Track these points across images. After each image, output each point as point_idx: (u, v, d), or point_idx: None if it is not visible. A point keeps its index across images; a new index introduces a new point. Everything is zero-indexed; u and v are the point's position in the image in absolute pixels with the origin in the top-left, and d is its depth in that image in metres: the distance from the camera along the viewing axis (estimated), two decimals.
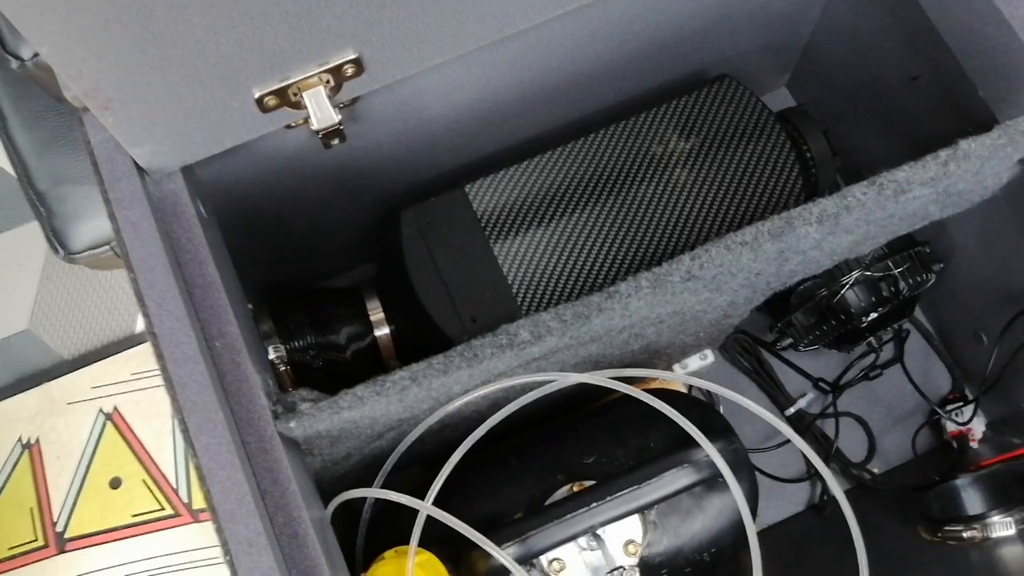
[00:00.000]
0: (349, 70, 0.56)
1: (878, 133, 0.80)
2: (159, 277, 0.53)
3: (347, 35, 0.53)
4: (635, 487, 0.58)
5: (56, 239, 0.74)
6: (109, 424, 0.86)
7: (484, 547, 0.55)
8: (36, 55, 0.68)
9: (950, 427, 0.79)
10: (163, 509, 0.83)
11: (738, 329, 0.83)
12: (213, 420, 0.51)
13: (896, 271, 0.74)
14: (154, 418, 0.86)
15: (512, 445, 0.68)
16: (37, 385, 0.86)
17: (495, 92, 0.71)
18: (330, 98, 0.57)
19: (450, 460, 0.59)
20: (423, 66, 0.59)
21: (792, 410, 0.82)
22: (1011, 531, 0.64)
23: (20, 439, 0.85)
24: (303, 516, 0.51)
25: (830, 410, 0.82)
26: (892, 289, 0.73)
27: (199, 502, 0.84)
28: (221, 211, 0.65)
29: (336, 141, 0.63)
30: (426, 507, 0.56)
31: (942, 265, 0.77)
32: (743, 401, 0.63)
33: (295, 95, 0.57)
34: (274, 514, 0.51)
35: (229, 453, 0.50)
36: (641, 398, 0.59)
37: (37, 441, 0.85)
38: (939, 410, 0.80)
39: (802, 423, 0.82)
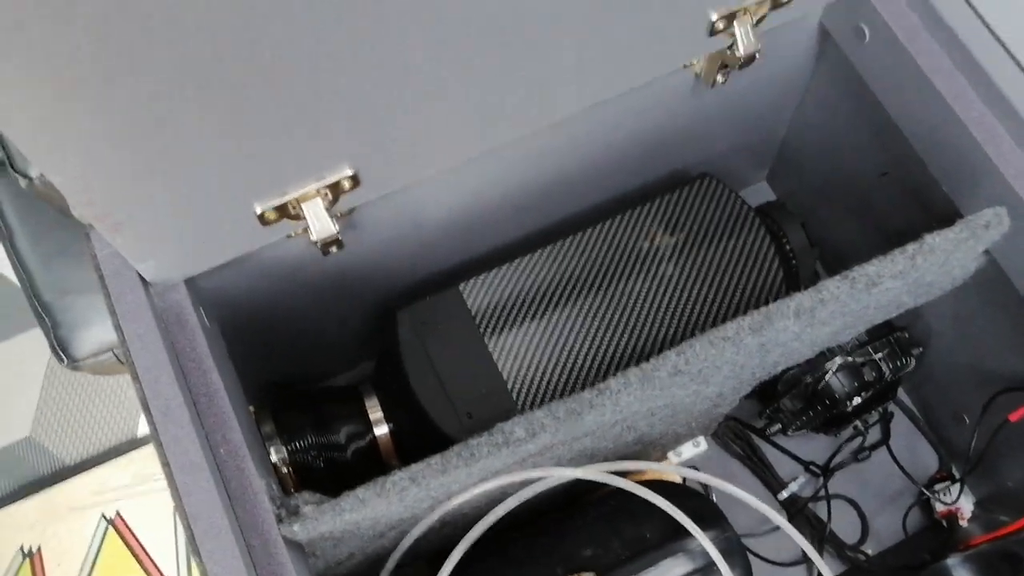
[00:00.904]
0: (347, 184, 0.60)
1: (853, 224, 0.83)
2: (164, 386, 0.55)
3: (345, 155, 0.56)
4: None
5: (60, 347, 0.77)
6: (111, 529, 0.86)
7: None
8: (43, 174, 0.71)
9: (939, 506, 0.81)
10: None
11: (729, 416, 0.85)
12: (218, 526, 0.52)
13: (877, 356, 0.76)
14: (157, 522, 0.87)
15: (512, 538, 0.69)
16: (38, 491, 0.87)
17: (487, 196, 0.74)
18: (328, 209, 0.60)
19: (449, 558, 0.60)
20: (417, 177, 0.62)
21: (785, 494, 0.83)
22: None
23: (21, 547, 0.86)
24: None
25: (822, 493, 0.83)
26: (874, 374, 0.76)
27: None
28: (222, 317, 0.67)
29: (334, 249, 0.65)
30: None
31: (921, 349, 0.80)
32: (735, 492, 0.65)
33: (294, 208, 0.60)
34: None
35: (235, 559, 0.52)
36: (635, 491, 0.60)
37: (38, 549, 0.86)
38: (926, 491, 0.81)
39: (795, 507, 0.83)
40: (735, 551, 0.64)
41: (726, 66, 0.67)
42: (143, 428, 0.92)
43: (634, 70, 0.63)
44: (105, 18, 0.40)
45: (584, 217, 0.80)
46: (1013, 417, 0.71)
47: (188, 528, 0.53)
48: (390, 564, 0.63)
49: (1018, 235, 0.62)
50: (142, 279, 0.58)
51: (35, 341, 0.95)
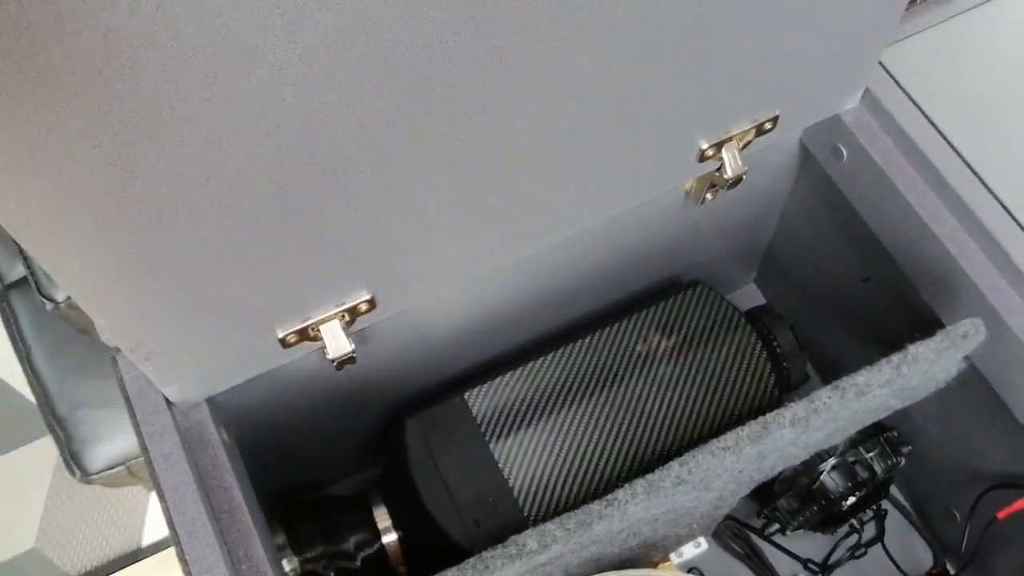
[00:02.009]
0: (363, 307, 0.63)
1: (840, 326, 0.87)
2: (189, 505, 0.57)
3: (362, 282, 0.60)
4: None
5: (74, 461, 0.78)
6: None
7: None
8: (68, 297, 0.74)
9: None
10: None
11: (729, 516, 0.87)
12: None
13: (868, 456, 0.79)
14: None
15: None
16: None
17: (490, 308, 0.77)
18: (344, 330, 0.63)
19: None
20: (428, 297, 0.66)
21: None
22: None
23: None
24: None
25: None
26: (866, 473, 0.78)
27: None
28: (239, 431, 0.69)
29: (349, 365, 0.68)
30: None
31: (910, 447, 0.82)
32: None
33: (313, 331, 0.63)
34: None
35: None
36: None
37: None
38: (918, 570, 0.83)
39: None
40: None
41: (715, 186, 0.72)
42: (147, 539, 0.93)
43: (630, 193, 0.68)
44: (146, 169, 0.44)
45: (583, 324, 0.83)
46: (1001, 515, 0.73)
47: None
48: None
49: (995, 342, 0.65)
50: (166, 400, 0.61)
51: (41, 452, 0.96)
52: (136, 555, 0.90)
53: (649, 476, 0.60)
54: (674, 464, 0.60)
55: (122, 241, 0.47)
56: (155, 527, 0.92)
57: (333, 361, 0.65)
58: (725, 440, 0.61)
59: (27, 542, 0.92)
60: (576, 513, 0.59)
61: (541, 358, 0.80)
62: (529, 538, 0.58)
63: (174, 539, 0.57)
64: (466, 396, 0.79)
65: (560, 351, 0.81)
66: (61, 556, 0.92)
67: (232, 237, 0.50)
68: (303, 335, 0.62)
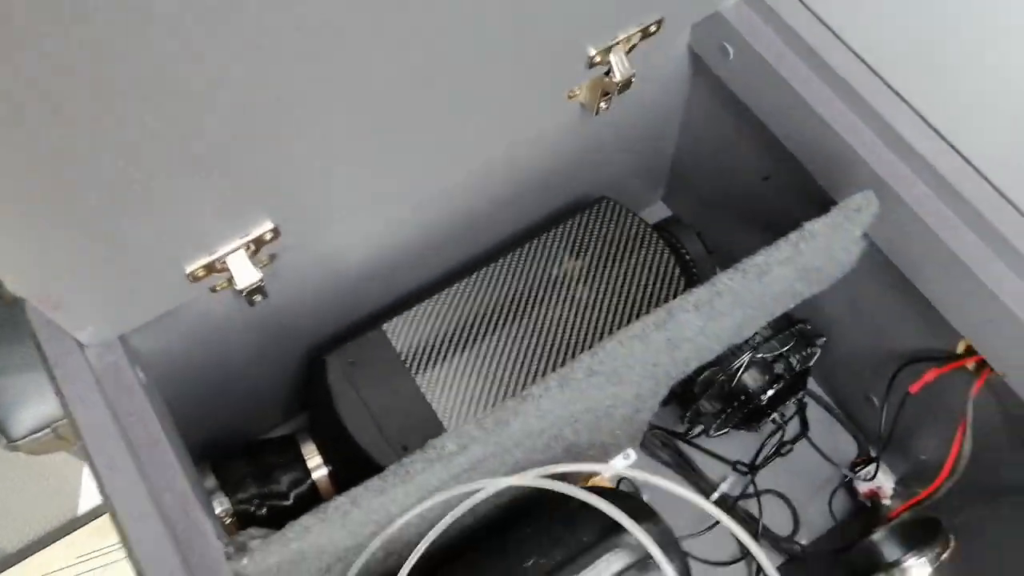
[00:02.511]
0: (268, 236, 0.63)
1: (745, 228, 0.89)
2: (107, 441, 0.57)
3: (266, 212, 0.60)
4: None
5: None
6: None
7: None
8: None
9: (862, 488, 0.86)
10: None
11: (654, 426, 0.89)
12: (169, 567, 0.54)
13: (783, 349, 0.81)
14: None
15: (459, 564, 0.71)
16: None
17: (400, 240, 0.78)
18: (251, 259, 0.63)
19: (403, 568, 0.61)
20: (332, 224, 0.66)
21: (715, 495, 0.87)
22: (927, 570, 0.69)
23: None
24: None
25: (751, 490, 0.88)
26: (783, 366, 0.81)
27: None
28: (160, 376, 0.69)
29: (259, 297, 0.68)
30: None
31: (824, 338, 0.85)
32: (665, 483, 0.68)
33: (220, 264, 0.63)
34: None
35: None
36: (566, 491, 0.63)
37: None
38: (848, 472, 0.86)
39: (726, 506, 0.87)
40: (670, 543, 0.67)
41: (607, 93, 0.73)
42: (83, 507, 0.92)
43: (527, 116, 0.69)
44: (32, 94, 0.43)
45: (496, 249, 0.84)
46: (913, 389, 0.76)
47: (139, 572, 0.54)
48: None
49: (889, 217, 0.67)
50: (78, 343, 0.60)
51: None
52: (73, 524, 0.89)
53: (561, 370, 0.61)
54: (584, 356, 0.62)
55: (13, 184, 0.46)
56: (90, 495, 0.91)
57: (243, 292, 0.65)
58: (632, 329, 0.62)
59: None
60: (493, 411, 0.60)
61: (456, 284, 0.81)
62: (448, 440, 0.59)
63: (95, 475, 0.57)
64: (385, 328, 0.79)
65: (474, 277, 0.82)
66: None
67: (125, 173, 0.50)
68: (210, 269, 0.62)
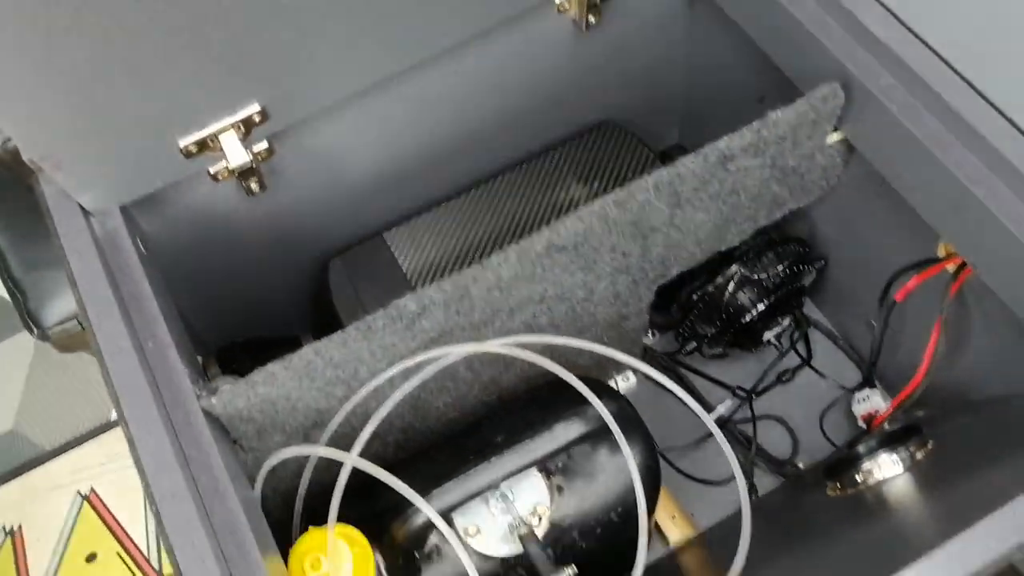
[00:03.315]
0: (256, 118, 0.68)
1: None
2: (99, 290, 0.63)
3: (251, 93, 0.65)
4: (529, 439, 0.64)
5: (31, 319, 0.84)
6: (86, 504, 0.92)
7: (404, 494, 0.60)
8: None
9: (859, 411, 0.85)
10: None
11: (654, 352, 0.90)
12: (142, 397, 0.58)
13: (775, 267, 0.81)
14: (127, 494, 0.92)
15: (435, 443, 0.74)
16: (20, 475, 0.94)
17: (401, 151, 0.82)
18: (242, 141, 0.68)
19: (358, 439, 0.64)
20: (318, 106, 0.71)
21: (712, 416, 0.87)
22: (899, 469, 0.68)
23: (3, 527, 0.92)
24: (224, 477, 0.57)
25: (750, 415, 0.88)
26: (773, 283, 0.81)
27: (170, 568, 0.88)
28: (167, 265, 0.74)
29: (256, 187, 0.73)
30: (352, 458, 0.62)
31: (823, 262, 0.85)
32: (670, 383, 0.69)
33: (213, 143, 0.68)
34: (198, 476, 0.58)
35: (155, 423, 0.57)
36: (528, 358, 0.65)
37: (20, 528, 0.91)
38: (846, 387, 0.86)
39: (723, 429, 0.87)
40: (632, 423, 0.68)
41: (594, 5, 0.76)
42: (115, 415, 0.99)
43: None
44: None
45: (499, 169, 0.87)
46: (898, 297, 0.76)
47: (117, 403, 0.59)
48: (313, 456, 0.67)
49: (861, 113, 0.68)
50: (83, 210, 0.66)
51: (17, 346, 1.03)
52: (105, 427, 0.96)
53: (521, 242, 0.64)
54: (545, 229, 0.64)
55: (17, 47, 0.53)
56: None
57: (236, 174, 0.71)
58: (592, 205, 0.65)
59: (6, 425, 0.98)
60: (452, 276, 0.63)
61: (457, 199, 0.85)
62: (409, 300, 0.63)
63: (84, 316, 0.62)
64: (386, 236, 0.84)
65: (476, 192, 0.85)
66: (37, 434, 0.98)
67: (118, 40, 0.56)
68: (203, 146, 0.68)
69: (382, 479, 0.61)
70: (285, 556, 0.62)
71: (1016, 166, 0.60)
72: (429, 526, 0.64)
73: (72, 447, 0.94)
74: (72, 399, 0.99)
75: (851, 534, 0.65)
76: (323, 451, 0.63)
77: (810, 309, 0.93)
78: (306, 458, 0.69)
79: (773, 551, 0.68)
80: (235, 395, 0.61)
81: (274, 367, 0.61)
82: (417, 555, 0.65)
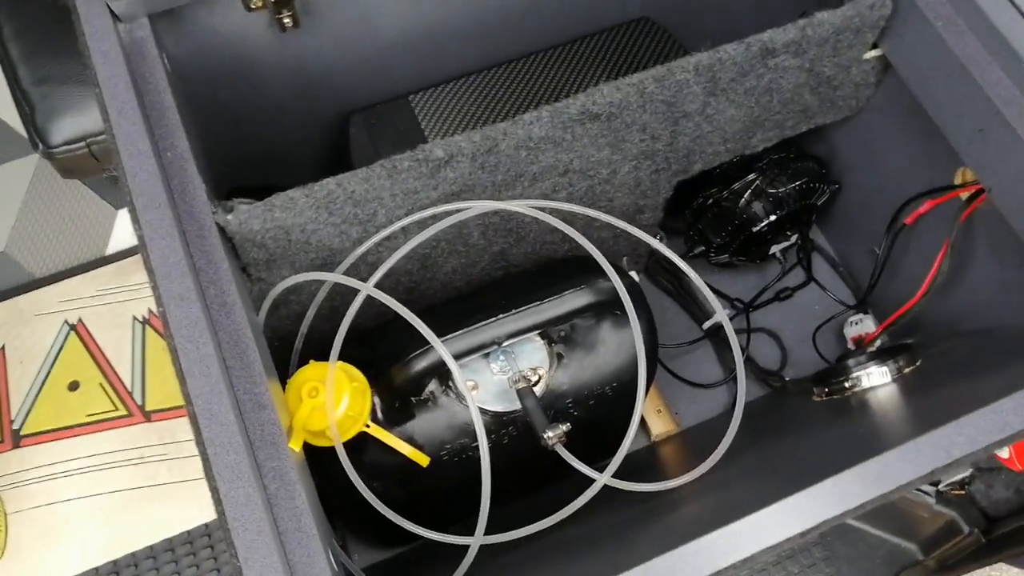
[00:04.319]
0: None
1: None
2: (121, 92, 0.61)
3: None
4: (536, 303, 0.65)
5: (37, 135, 0.82)
6: (73, 334, 0.92)
7: (417, 327, 0.60)
8: None
9: (850, 333, 0.86)
10: (117, 410, 0.88)
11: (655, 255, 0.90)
12: (157, 201, 0.58)
13: (792, 181, 0.81)
14: (115, 329, 0.92)
15: (451, 300, 0.74)
16: (7, 299, 0.93)
17: (435, 13, 0.80)
18: None
19: (388, 259, 0.64)
20: None
21: (708, 323, 0.88)
22: (887, 379, 0.70)
23: None
24: (232, 291, 0.57)
25: (745, 326, 0.89)
26: (787, 197, 0.81)
27: (152, 404, 0.88)
28: (190, 95, 0.73)
29: (288, 21, 0.72)
30: (368, 288, 0.62)
31: (837, 186, 0.85)
32: (687, 267, 0.69)
33: None
34: (206, 286, 0.57)
35: (169, 228, 0.57)
36: (553, 222, 0.65)
37: (3, 348, 0.91)
38: (844, 303, 0.87)
39: (718, 336, 0.88)
40: (639, 298, 0.69)
41: None
42: (111, 248, 0.98)
43: None
44: None
45: (530, 52, 0.86)
46: (908, 220, 0.76)
47: (131, 203, 0.58)
48: (320, 294, 0.67)
49: (904, 27, 0.68)
50: (113, 14, 0.65)
51: (15, 171, 1.01)
52: (99, 262, 0.95)
53: (555, 104, 0.63)
54: (580, 95, 0.64)
55: None
56: (119, 240, 0.97)
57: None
58: (631, 78, 0.64)
59: None
60: (483, 128, 0.62)
61: (484, 72, 0.84)
62: (436, 147, 0.62)
63: (104, 119, 0.61)
64: (410, 98, 0.83)
65: (503, 68, 0.84)
66: (28, 259, 0.97)
67: None
68: None
69: (397, 310, 0.61)
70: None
71: None
72: (428, 373, 0.64)
73: (63, 278, 0.93)
74: (67, 229, 0.97)
75: (829, 430, 0.66)
76: (340, 278, 0.63)
77: (815, 235, 0.93)
78: (309, 300, 0.69)
79: (750, 444, 0.69)
80: (251, 215, 0.61)
81: (294, 192, 0.61)
82: (413, 400, 0.65)
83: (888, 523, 0.86)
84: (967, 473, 0.86)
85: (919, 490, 0.86)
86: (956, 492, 0.86)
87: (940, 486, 0.86)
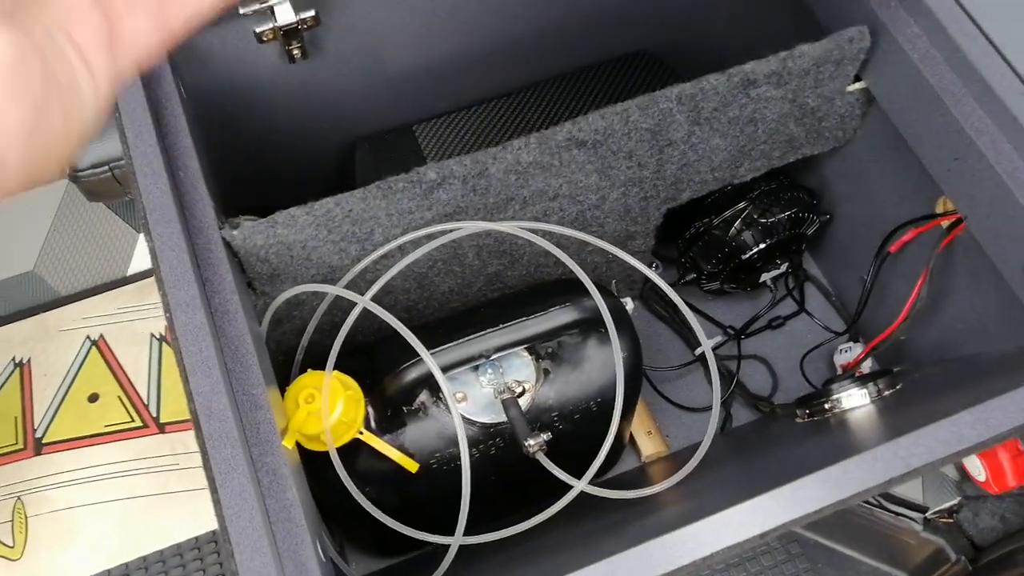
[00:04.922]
0: None
1: None
2: (138, 116, 0.66)
3: None
4: (524, 318, 0.68)
5: None
6: (94, 349, 0.96)
7: (408, 339, 0.64)
8: None
9: (840, 361, 0.88)
10: (133, 421, 0.92)
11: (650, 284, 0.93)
12: (168, 216, 0.62)
13: (783, 211, 0.84)
14: (134, 345, 0.96)
15: (444, 318, 0.77)
16: (34, 315, 0.98)
17: (444, 48, 0.85)
18: (291, 2, 0.72)
19: (385, 274, 0.68)
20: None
21: (700, 350, 0.91)
22: (865, 400, 0.72)
23: (14, 359, 0.96)
24: (235, 300, 0.61)
25: (736, 353, 0.91)
26: (778, 226, 0.84)
27: (166, 416, 0.92)
28: (207, 122, 0.78)
29: (298, 54, 0.77)
30: (364, 301, 0.65)
31: (828, 216, 0.88)
32: (675, 296, 0.72)
33: None
34: (211, 295, 0.61)
35: (178, 240, 0.61)
36: (542, 244, 0.68)
37: (28, 361, 0.96)
38: (834, 331, 0.89)
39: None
40: (623, 319, 0.72)
41: None
42: (132, 269, 1.03)
43: None
44: None
45: (531, 83, 0.90)
46: (892, 248, 0.79)
47: (143, 216, 0.62)
48: (322, 306, 0.71)
49: (884, 59, 0.71)
50: None
51: (46, 194, 1.07)
52: (121, 282, 1.00)
53: (543, 131, 0.67)
54: (566, 123, 0.67)
55: None
56: (140, 261, 1.02)
57: (278, 32, 0.74)
58: (616, 106, 0.68)
59: (27, 265, 1.02)
60: (474, 153, 0.66)
61: (488, 103, 0.88)
62: (430, 169, 0.66)
63: (122, 140, 0.66)
64: (415, 128, 0.87)
65: (506, 100, 0.88)
66: (55, 279, 1.02)
67: None
68: None
69: (389, 322, 0.64)
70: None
71: (1021, 121, 0.63)
72: (418, 383, 0.67)
73: (86, 296, 0.98)
74: (92, 250, 1.03)
75: (804, 446, 0.69)
76: (339, 290, 0.67)
77: (807, 264, 0.96)
78: (311, 315, 0.73)
79: (732, 460, 0.71)
80: (255, 231, 0.65)
81: (295, 210, 0.65)
82: (405, 409, 0.69)
83: (877, 551, 0.87)
84: (955, 501, 0.87)
85: (907, 517, 0.87)
86: (944, 520, 0.87)
87: (928, 513, 0.87)
